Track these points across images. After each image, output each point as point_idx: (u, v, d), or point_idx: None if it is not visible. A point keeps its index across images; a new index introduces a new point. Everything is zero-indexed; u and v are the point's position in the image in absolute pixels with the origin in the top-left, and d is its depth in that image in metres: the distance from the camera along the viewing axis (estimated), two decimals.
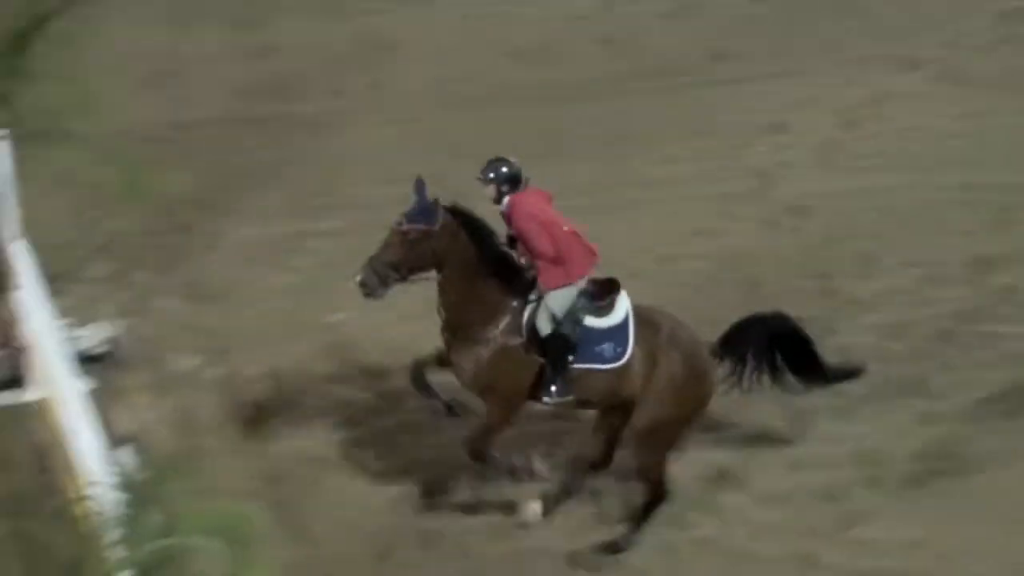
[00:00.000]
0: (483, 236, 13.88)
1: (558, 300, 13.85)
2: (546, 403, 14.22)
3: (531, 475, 14.23)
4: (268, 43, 20.38)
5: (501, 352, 13.93)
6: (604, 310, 14.00)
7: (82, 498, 12.57)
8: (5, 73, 15.21)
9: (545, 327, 13.86)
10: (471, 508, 14.64)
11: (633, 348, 13.95)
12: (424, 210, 13.64)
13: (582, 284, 13.92)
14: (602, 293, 14.03)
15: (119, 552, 11.45)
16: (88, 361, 15.60)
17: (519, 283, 13.99)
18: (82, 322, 15.95)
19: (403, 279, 13.77)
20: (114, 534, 11.53)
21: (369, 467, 15.06)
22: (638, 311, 14.11)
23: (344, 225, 17.66)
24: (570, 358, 13.92)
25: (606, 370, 13.99)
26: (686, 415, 14.12)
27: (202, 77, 19.91)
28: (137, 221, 17.50)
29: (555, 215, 13.91)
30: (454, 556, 14.24)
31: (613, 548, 14.20)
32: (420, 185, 13.70)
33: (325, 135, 18.92)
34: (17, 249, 15.42)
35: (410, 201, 13.64)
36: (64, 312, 15.69)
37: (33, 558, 13.26)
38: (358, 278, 13.61)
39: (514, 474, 14.26)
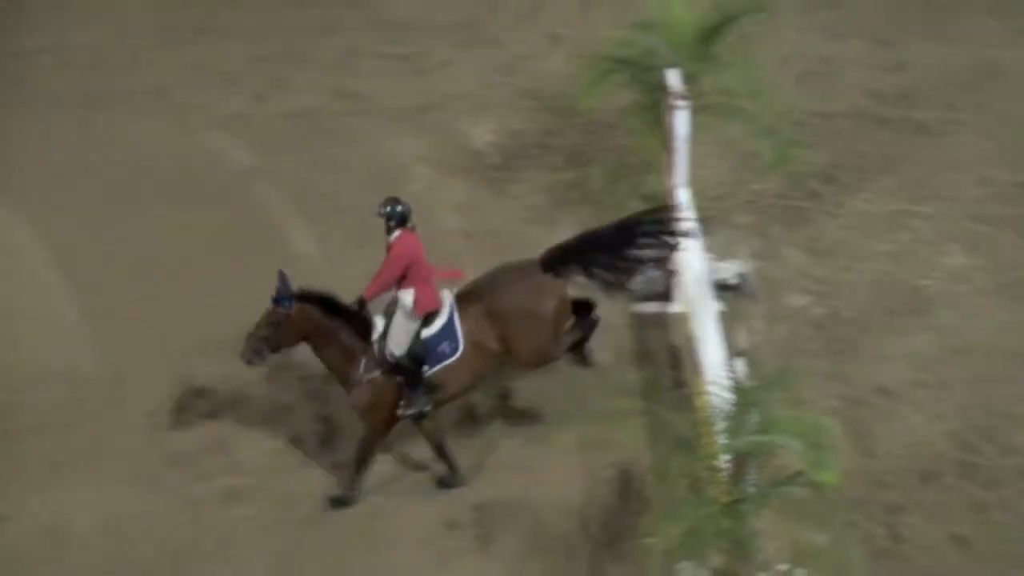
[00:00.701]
0: (333, 306, 13.50)
1: (402, 328, 13.45)
2: (416, 416, 13.71)
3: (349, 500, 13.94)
4: (900, 59, 19.96)
5: (368, 386, 13.52)
6: (431, 318, 13.49)
7: (701, 393, 12.82)
8: (698, 57, 15.46)
9: (398, 349, 13.43)
10: None
11: (463, 336, 13.47)
12: (284, 297, 13.30)
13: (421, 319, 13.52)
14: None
15: (723, 439, 11.67)
16: (722, 288, 15.82)
17: (366, 330, 13.59)
18: (722, 257, 16.15)
19: (275, 351, 13.54)
20: (721, 425, 11.75)
21: (930, 407, 14.77)
22: (458, 296, 13.66)
23: (937, 211, 17.23)
24: (424, 368, 13.47)
25: (453, 363, 13.50)
26: (561, 317, 13.82)
27: (844, 79, 19.68)
28: (777, 186, 17.52)
29: (424, 259, 13.43)
30: (983, 487, 13.93)
31: None
32: (282, 276, 13.32)
33: (934, 139, 18.45)
34: (683, 194, 15.73)
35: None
36: (710, 248, 15.90)
37: (657, 432, 13.65)
38: (240, 351, 13.52)
39: (353, 491, 13.91)
